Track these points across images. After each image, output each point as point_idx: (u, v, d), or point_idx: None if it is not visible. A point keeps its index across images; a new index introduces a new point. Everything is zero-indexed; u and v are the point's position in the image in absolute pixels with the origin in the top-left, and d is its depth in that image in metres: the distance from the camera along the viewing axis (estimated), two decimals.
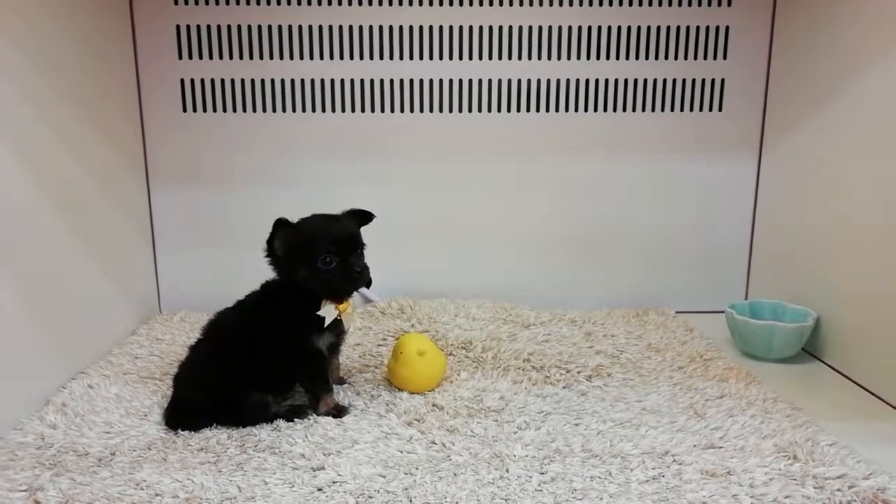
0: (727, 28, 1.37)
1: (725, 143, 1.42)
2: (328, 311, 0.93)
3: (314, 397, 0.96)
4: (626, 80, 1.39)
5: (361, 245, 0.95)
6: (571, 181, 1.44)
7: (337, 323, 0.95)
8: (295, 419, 0.93)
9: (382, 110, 1.39)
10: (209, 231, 1.42)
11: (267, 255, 0.93)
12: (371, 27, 1.34)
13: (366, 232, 0.97)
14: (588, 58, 1.38)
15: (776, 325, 1.17)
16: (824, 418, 0.94)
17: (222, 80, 1.36)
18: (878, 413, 1.01)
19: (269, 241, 0.92)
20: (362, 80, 1.37)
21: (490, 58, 1.37)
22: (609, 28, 1.36)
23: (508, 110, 1.40)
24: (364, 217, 0.98)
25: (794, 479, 0.78)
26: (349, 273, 0.91)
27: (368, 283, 0.95)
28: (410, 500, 0.75)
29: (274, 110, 1.38)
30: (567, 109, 1.40)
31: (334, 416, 0.94)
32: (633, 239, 1.47)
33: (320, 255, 0.90)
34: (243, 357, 0.92)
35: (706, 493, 0.76)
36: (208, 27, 1.33)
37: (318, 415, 0.95)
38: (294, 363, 0.95)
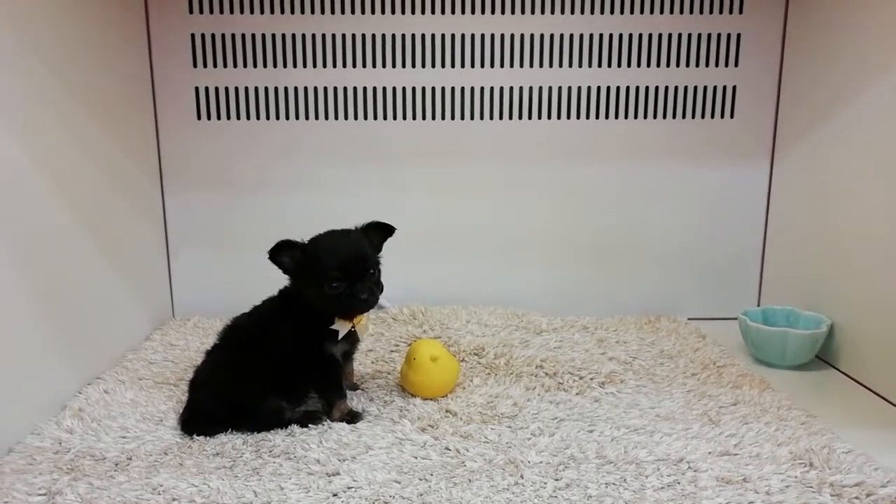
0: (738, 35, 1.37)
1: (737, 150, 1.42)
2: (341, 325, 0.93)
3: (328, 403, 0.96)
4: (637, 88, 1.39)
5: (372, 265, 0.92)
6: (583, 188, 1.44)
7: (351, 332, 0.96)
8: (309, 425, 0.93)
9: (395, 118, 1.39)
10: (223, 237, 1.43)
11: (279, 267, 0.93)
12: (384, 35, 1.35)
13: None
14: (600, 65, 1.38)
15: (789, 331, 1.17)
16: (840, 425, 0.94)
17: (236, 89, 1.37)
18: (895, 420, 1.01)
19: (272, 260, 0.91)
20: (374, 88, 1.38)
21: (502, 66, 1.38)
22: (621, 36, 1.37)
23: (520, 118, 1.40)
24: (384, 230, 0.97)
25: (811, 487, 0.78)
26: (354, 300, 0.90)
27: (380, 291, 0.95)
28: None
29: (287, 118, 1.39)
30: (579, 117, 1.40)
31: (348, 422, 0.95)
32: (645, 245, 1.47)
33: (327, 281, 0.89)
34: (259, 363, 0.93)
35: (722, 501, 0.75)
36: (223, 36, 1.34)
37: (332, 420, 0.95)
38: (309, 369, 0.96)
